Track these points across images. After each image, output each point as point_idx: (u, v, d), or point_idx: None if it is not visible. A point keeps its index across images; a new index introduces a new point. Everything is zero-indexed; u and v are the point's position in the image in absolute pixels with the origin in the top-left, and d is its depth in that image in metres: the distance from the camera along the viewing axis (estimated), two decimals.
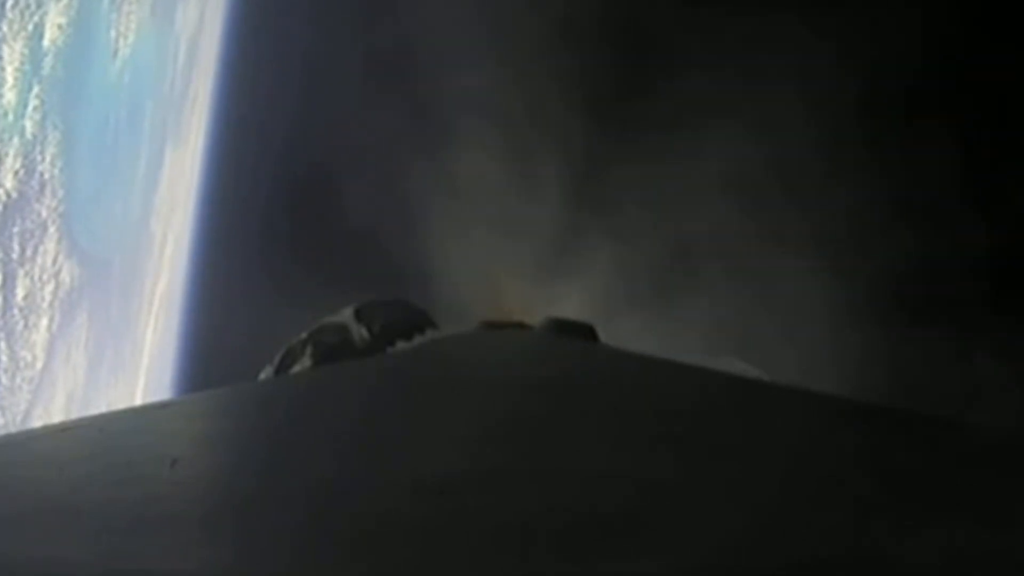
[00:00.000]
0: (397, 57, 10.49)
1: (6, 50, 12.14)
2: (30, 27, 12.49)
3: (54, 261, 13.89)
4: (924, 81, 6.17)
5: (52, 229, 13.57)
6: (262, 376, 6.98)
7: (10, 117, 12.41)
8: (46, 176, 13.27)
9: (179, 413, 1.78)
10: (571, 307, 7.01)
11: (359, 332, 6.93)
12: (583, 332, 3.50)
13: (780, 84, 6.67)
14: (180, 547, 0.84)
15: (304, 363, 6.78)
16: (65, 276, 14.11)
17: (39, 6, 12.63)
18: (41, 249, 13.54)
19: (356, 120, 11.25)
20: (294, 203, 12.36)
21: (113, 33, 14.77)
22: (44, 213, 13.38)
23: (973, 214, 5.81)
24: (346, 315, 7.19)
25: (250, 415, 1.86)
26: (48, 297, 13.76)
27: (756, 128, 6.87)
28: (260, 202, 13.29)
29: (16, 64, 12.36)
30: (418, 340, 6.65)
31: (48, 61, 13.06)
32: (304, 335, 7.16)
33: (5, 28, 12.03)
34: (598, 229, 8.25)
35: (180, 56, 17.29)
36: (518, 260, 8.70)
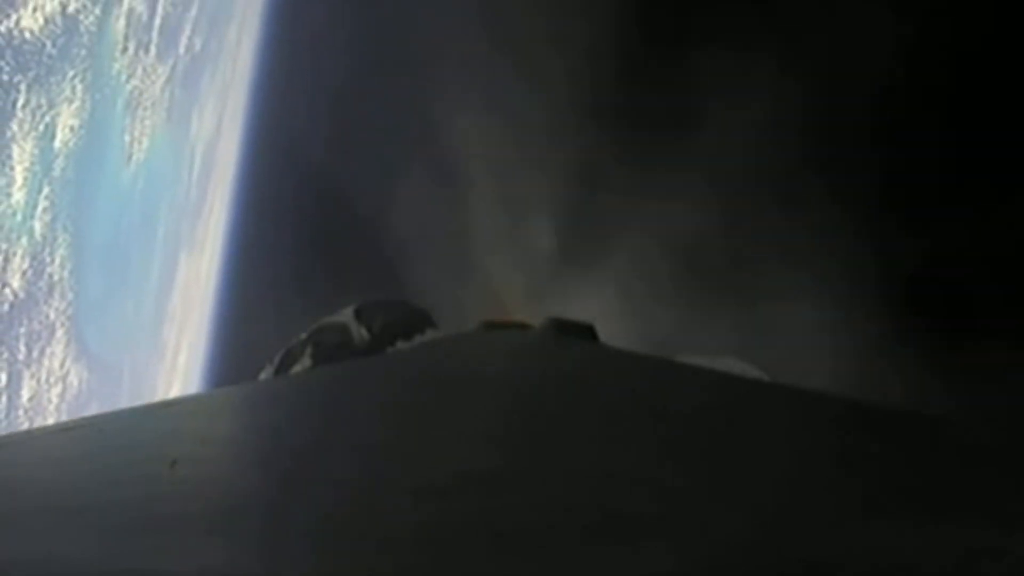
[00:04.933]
0: (415, 175, 10.60)
1: (16, 150, 11.98)
2: (41, 127, 12.32)
3: (62, 364, 13.68)
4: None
5: (60, 332, 13.36)
6: (262, 376, 6.97)
7: (19, 217, 12.23)
8: (55, 278, 13.07)
9: (179, 413, 1.78)
10: None
11: (359, 332, 6.92)
12: (583, 332, 3.50)
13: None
14: (180, 547, 0.84)
15: (304, 363, 6.77)
16: (73, 379, 13.90)
17: (51, 107, 12.46)
18: (48, 351, 13.31)
19: (372, 225, 11.31)
20: (312, 309, 12.38)
21: (127, 138, 14.60)
22: (52, 315, 13.16)
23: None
24: (346, 315, 7.18)
25: (250, 415, 1.86)
26: (55, 400, 13.58)
27: None
28: (278, 310, 13.24)
29: (26, 164, 12.18)
30: (418, 340, 6.64)
31: (59, 163, 12.87)
32: (304, 335, 7.16)
33: (15, 127, 11.89)
34: None
35: (196, 163, 17.11)
36: None
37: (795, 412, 1.57)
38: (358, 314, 7.12)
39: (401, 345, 6.53)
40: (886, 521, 0.88)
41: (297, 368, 6.66)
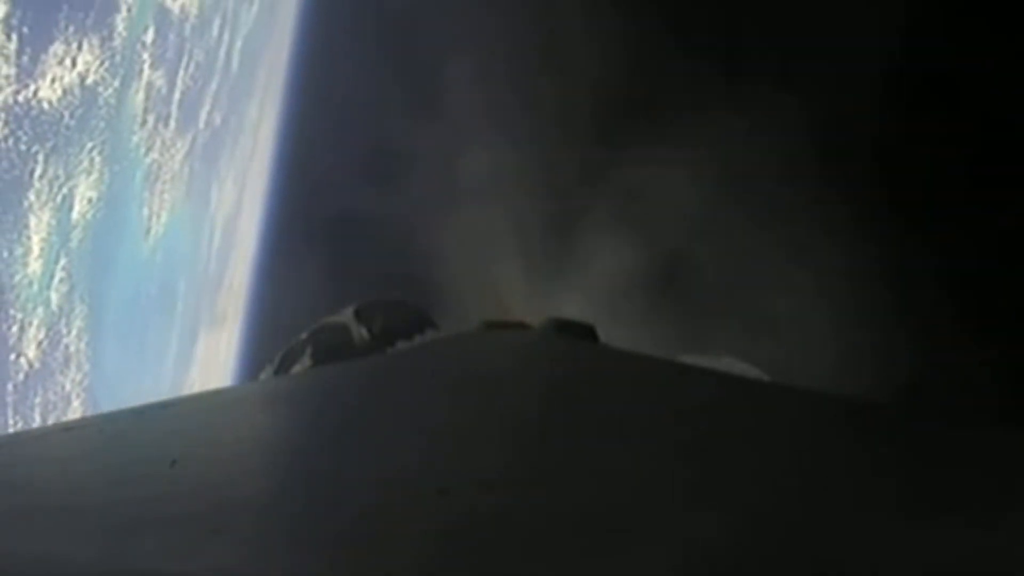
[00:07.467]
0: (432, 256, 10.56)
1: (33, 220, 11.89)
2: (58, 198, 12.21)
3: None
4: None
5: (76, 403, 13.22)
6: (262, 376, 6.98)
7: (35, 287, 12.11)
8: (71, 349, 12.92)
9: (179, 413, 1.78)
10: None
11: (359, 332, 6.91)
12: (583, 332, 3.50)
13: None
14: (180, 547, 0.84)
15: (304, 363, 6.77)
16: None
17: (68, 178, 12.35)
18: None
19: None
20: None
21: (146, 211, 14.50)
22: (68, 386, 13.01)
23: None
24: (346, 315, 7.17)
25: (251, 414, 1.86)
26: None
27: None
28: None
29: (43, 234, 12.07)
30: (418, 340, 6.64)
31: (76, 234, 12.76)
32: (304, 335, 7.15)
33: (32, 197, 11.79)
34: None
35: (216, 238, 16.98)
36: None
37: (795, 412, 1.57)
38: (358, 314, 7.11)
39: (401, 345, 6.52)
40: (887, 521, 0.88)
41: (297, 368, 6.65)
